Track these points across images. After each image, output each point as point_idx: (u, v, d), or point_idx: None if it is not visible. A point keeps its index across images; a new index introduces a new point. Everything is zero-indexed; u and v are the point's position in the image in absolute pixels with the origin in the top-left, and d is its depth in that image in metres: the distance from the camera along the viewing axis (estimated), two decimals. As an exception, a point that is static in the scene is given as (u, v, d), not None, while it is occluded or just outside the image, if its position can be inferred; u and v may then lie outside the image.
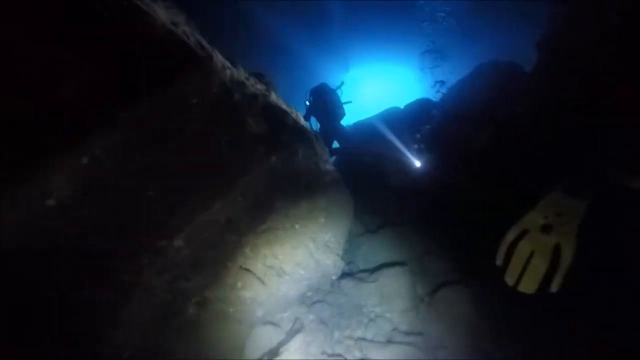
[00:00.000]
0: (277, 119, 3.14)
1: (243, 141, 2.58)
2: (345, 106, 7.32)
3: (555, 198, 1.67)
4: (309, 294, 3.32)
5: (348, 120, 10.57)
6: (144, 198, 2.11)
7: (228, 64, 2.70)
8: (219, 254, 2.50)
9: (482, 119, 5.18)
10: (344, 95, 7.44)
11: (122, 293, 2.10)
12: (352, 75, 13.02)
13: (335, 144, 7.16)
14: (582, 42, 5.48)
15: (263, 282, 2.71)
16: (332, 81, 13.34)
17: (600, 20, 5.19)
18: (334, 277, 3.64)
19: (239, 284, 2.57)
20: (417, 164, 5.50)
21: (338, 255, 3.74)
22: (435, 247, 4.59)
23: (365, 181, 6.23)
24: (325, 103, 6.88)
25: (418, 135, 5.51)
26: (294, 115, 3.44)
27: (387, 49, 11.76)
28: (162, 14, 2.14)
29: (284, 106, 3.38)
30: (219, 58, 2.52)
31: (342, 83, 7.34)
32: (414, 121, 6.04)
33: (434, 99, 6.79)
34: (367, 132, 6.62)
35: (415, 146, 5.64)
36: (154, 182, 2.15)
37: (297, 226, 3.25)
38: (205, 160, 2.36)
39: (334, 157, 6.86)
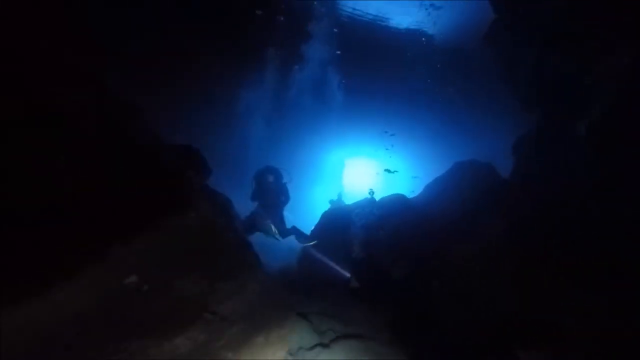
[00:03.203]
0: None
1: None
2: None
3: None
4: None
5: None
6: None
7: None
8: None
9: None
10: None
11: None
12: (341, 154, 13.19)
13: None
14: (552, 150, 5.38)
15: None
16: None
17: (568, 128, 5.13)
18: None
19: None
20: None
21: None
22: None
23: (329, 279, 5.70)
24: (267, 186, 6.75)
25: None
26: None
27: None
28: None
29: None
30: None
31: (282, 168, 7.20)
32: (383, 217, 5.69)
33: (410, 195, 6.50)
34: (334, 224, 6.26)
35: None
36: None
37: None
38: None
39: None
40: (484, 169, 5.89)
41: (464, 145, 9.64)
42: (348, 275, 4.91)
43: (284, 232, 6.97)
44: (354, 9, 11.45)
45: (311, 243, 6.70)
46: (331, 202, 10.07)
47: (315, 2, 11.19)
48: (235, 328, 3.03)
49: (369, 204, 6.64)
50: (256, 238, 7.01)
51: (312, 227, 7.44)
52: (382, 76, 11.60)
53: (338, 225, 6.18)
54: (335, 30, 11.51)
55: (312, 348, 4.05)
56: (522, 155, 5.44)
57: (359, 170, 13.65)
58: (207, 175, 4.94)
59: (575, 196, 4.97)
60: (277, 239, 6.81)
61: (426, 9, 10.79)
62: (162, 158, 2.90)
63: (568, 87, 5.01)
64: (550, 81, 5.18)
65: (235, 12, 10.09)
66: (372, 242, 5.08)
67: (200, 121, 9.87)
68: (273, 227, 6.86)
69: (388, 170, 10.78)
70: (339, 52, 11.76)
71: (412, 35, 11.87)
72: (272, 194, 6.77)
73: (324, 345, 4.11)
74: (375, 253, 4.89)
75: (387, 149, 10.63)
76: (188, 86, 9.57)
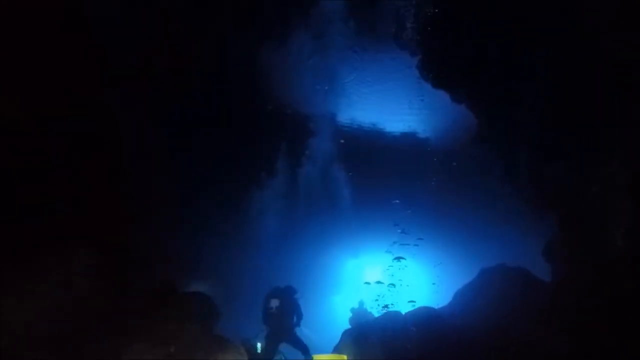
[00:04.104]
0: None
1: None
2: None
3: None
4: None
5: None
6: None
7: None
8: None
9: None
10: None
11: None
12: (360, 262, 12.71)
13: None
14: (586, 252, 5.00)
15: None
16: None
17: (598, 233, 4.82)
18: None
19: None
20: None
21: None
22: None
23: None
24: (273, 311, 6.50)
25: None
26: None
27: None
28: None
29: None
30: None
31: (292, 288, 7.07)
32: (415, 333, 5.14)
33: (437, 306, 5.98)
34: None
35: None
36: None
37: None
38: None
39: None
40: (515, 273, 5.50)
41: (482, 248, 9.22)
42: None
43: (304, 349, 6.49)
44: (352, 120, 12.46)
45: None
46: (353, 310, 9.44)
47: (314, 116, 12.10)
48: None
49: (393, 319, 6.11)
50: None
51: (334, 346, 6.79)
52: (389, 180, 11.92)
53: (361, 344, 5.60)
54: (341, 141, 12.24)
55: None
56: (556, 260, 5.11)
57: (378, 277, 13.02)
58: (216, 321, 4.81)
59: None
60: None
61: (417, 114, 11.58)
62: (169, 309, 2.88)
63: (575, 191, 4.87)
64: (553, 184, 5.10)
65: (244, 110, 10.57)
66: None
67: (211, 228, 9.78)
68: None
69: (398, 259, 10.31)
70: (342, 141, 12.19)
71: (407, 139, 12.55)
72: (280, 317, 6.47)
73: None
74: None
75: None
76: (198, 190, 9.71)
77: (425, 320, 5.43)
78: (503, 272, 5.64)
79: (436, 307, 5.92)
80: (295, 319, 6.68)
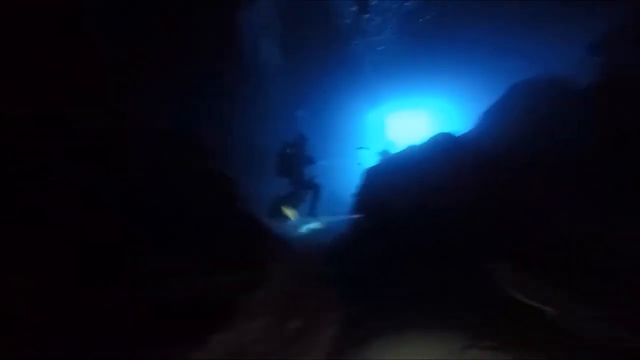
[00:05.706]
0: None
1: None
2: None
3: None
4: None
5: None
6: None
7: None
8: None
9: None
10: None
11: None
12: (382, 110, 12.11)
13: None
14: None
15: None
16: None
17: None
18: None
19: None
20: None
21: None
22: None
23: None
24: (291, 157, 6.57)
25: None
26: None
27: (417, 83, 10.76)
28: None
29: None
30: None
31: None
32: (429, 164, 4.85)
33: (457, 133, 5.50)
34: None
35: None
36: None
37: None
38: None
39: None
40: (547, 85, 4.72)
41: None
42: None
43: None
44: None
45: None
46: (381, 153, 9.29)
47: None
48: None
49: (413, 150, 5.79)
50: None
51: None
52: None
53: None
54: None
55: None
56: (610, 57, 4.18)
57: (404, 124, 12.56)
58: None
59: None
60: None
61: None
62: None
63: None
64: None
65: None
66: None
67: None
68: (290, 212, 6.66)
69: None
70: None
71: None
72: (291, 167, 6.52)
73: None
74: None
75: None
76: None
77: (441, 147, 5.06)
78: (534, 85, 4.90)
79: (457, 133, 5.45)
80: (306, 167, 6.71)
